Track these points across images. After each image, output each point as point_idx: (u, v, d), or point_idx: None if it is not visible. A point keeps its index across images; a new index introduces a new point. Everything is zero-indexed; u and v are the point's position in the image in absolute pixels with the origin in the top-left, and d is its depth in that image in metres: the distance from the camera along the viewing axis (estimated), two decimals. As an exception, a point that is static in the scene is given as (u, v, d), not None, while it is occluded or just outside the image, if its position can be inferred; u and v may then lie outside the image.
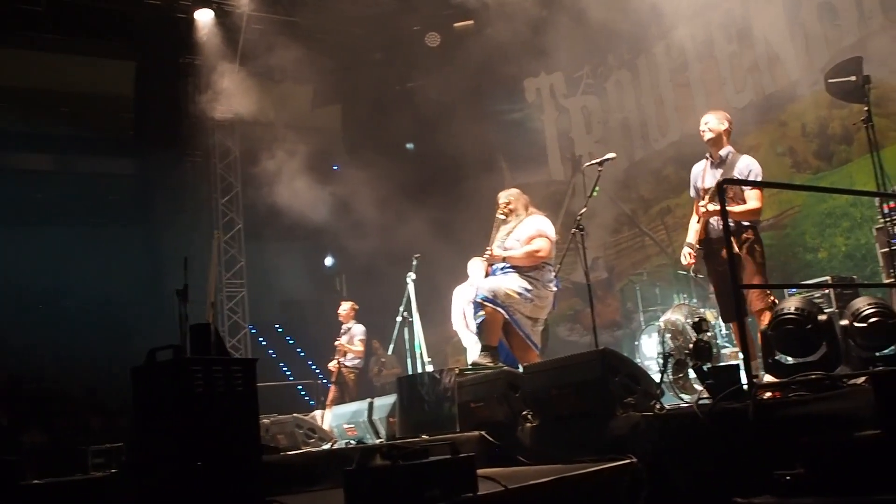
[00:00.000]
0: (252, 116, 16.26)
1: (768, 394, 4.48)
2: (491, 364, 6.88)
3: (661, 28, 13.58)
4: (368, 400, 8.08)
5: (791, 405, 4.01)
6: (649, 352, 10.48)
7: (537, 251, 7.23)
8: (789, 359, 4.75)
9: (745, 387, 4.27)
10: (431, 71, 14.84)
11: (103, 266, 16.35)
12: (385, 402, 7.68)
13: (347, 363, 12.79)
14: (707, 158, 7.13)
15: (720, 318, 8.07)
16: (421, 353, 10.57)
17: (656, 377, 5.45)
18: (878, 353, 4.53)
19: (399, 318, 10.71)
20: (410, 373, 10.72)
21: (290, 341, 18.66)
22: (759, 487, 3.30)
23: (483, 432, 5.70)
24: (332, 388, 12.88)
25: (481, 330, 7.17)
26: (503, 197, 7.71)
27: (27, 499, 4.52)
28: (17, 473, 4.76)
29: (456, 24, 15.81)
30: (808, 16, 11.29)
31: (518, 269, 7.26)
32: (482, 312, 7.13)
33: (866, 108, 7.52)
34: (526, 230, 7.40)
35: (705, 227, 6.91)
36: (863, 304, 4.59)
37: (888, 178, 7.69)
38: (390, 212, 14.45)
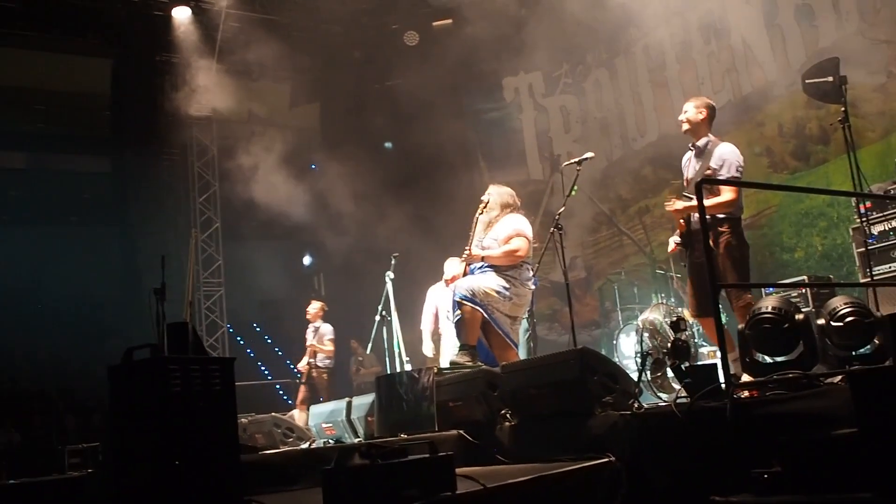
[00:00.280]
0: (230, 114, 16.21)
1: (746, 393, 4.50)
2: (470, 363, 6.87)
3: (640, 28, 13.64)
4: (347, 399, 8.06)
5: (768, 404, 4.02)
6: (627, 351, 10.51)
7: (515, 251, 7.22)
8: (767, 358, 4.77)
9: (723, 386, 4.28)
10: (410, 70, 14.82)
11: (79, 265, 16.24)
12: (363, 402, 7.66)
13: (319, 363, 12.77)
14: (690, 148, 7.07)
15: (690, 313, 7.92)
16: (399, 353, 10.56)
17: (634, 376, 5.46)
18: (854, 352, 4.56)
19: (377, 317, 10.69)
20: (389, 372, 10.71)
21: (268, 340, 18.60)
22: (738, 486, 3.32)
23: (461, 431, 5.70)
24: (302, 387, 12.85)
25: (460, 329, 7.15)
26: (486, 195, 7.70)
27: (2, 499, 4.48)
28: (-9, 473, 4.73)
29: (435, 23, 15.79)
30: (785, 17, 11.36)
31: (496, 268, 7.25)
32: (460, 311, 7.11)
33: (843, 109, 7.55)
34: (504, 229, 7.39)
35: (687, 219, 6.84)
36: (839, 303, 4.62)
37: (865, 178, 7.74)
38: (368, 211, 14.44)
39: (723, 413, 3.96)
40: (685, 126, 6.95)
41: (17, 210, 17.17)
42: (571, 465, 4.31)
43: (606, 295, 12.99)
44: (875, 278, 7.59)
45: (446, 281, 8.21)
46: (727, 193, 6.48)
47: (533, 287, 7.62)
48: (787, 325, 4.43)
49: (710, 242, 6.31)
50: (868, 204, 7.89)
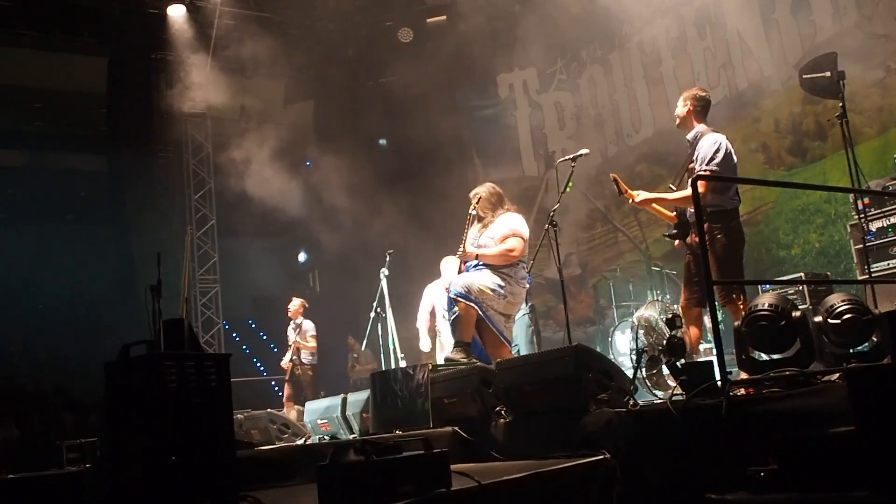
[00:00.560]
0: (224, 111, 16.21)
1: (742, 390, 4.50)
2: (464, 360, 6.87)
3: (635, 23, 13.63)
4: (342, 395, 8.05)
5: (765, 401, 4.02)
6: (623, 348, 10.51)
7: (511, 250, 7.22)
8: (763, 355, 4.77)
9: (719, 383, 4.28)
10: (404, 67, 14.81)
11: (76, 262, 16.25)
12: (359, 398, 7.65)
13: (304, 360, 12.78)
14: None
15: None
16: (394, 349, 10.56)
17: (630, 373, 5.46)
18: (851, 350, 4.55)
19: (372, 314, 10.69)
20: (384, 368, 10.71)
21: (264, 337, 18.61)
22: (733, 483, 3.31)
23: (456, 428, 5.69)
24: (287, 385, 12.87)
25: (455, 326, 7.15)
26: (475, 193, 7.69)
27: (2, 494, 4.48)
28: (-9, 468, 4.74)
29: (429, 20, 15.79)
30: (782, 11, 11.35)
31: (491, 266, 7.25)
32: (456, 308, 7.12)
33: (840, 104, 7.53)
34: (499, 228, 7.38)
35: (682, 211, 6.81)
36: (837, 300, 4.61)
37: (862, 174, 7.74)
38: (363, 207, 14.44)
39: (718, 410, 3.95)
40: (676, 121, 6.97)
41: (14, 208, 17.16)
42: (566, 462, 4.31)
43: (601, 292, 12.99)
44: (873, 275, 7.59)
45: (446, 289, 8.22)
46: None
47: (528, 285, 7.63)
48: (783, 323, 4.42)
49: (696, 238, 6.42)
50: (866, 200, 7.89)
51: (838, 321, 4.51)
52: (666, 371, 6.85)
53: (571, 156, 7.56)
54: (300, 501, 3.93)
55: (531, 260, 7.78)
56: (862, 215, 7.84)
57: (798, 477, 3.10)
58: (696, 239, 6.43)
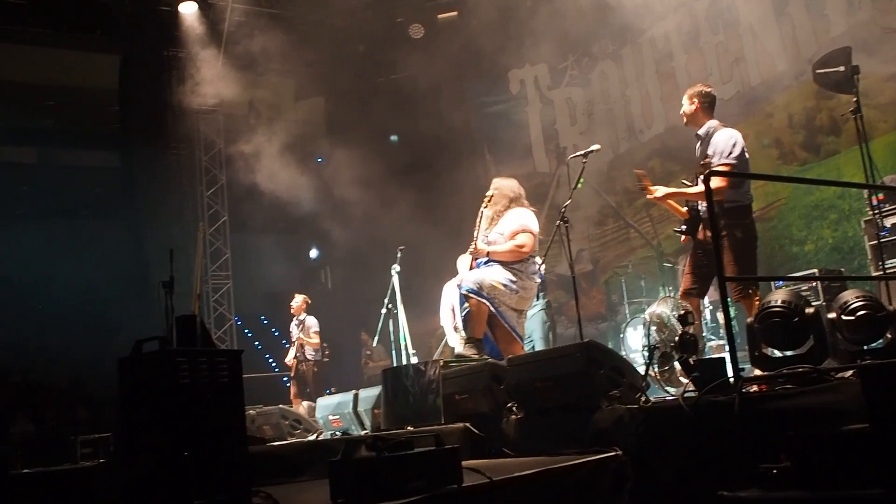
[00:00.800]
0: (236, 108, 16.24)
1: (754, 387, 4.48)
2: (476, 356, 6.87)
3: (647, 19, 13.57)
4: (353, 391, 8.07)
5: (777, 398, 4.00)
6: (634, 344, 10.49)
7: (521, 246, 7.21)
8: (776, 352, 4.75)
9: (731, 380, 4.26)
10: (415, 63, 14.80)
11: (89, 259, 16.30)
12: (370, 394, 7.66)
13: (308, 356, 12.81)
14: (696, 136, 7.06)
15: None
16: (406, 345, 10.56)
17: (641, 370, 5.45)
18: (865, 347, 4.53)
19: (384, 311, 10.69)
20: (395, 365, 10.72)
21: (276, 333, 18.63)
22: (745, 481, 3.30)
23: (467, 424, 5.69)
24: (293, 382, 12.91)
25: (467, 322, 7.15)
26: (491, 188, 7.69)
27: (17, 488, 4.51)
28: (6, 463, 4.76)
29: (440, 16, 15.79)
30: (795, 6, 11.31)
31: (502, 262, 7.25)
32: (467, 304, 7.11)
33: (855, 99, 7.49)
34: (509, 224, 7.38)
35: (694, 205, 6.82)
36: (851, 297, 4.59)
37: (877, 169, 7.70)
38: (375, 204, 14.45)
39: (731, 407, 3.94)
40: (684, 119, 6.96)
41: (27, 205, 17.24)
42: (577, 458, 4.30)
43: (613, 288, 12.98)
44: (887, 271, 7.56)
45: (458, 286, 8.18)
46: (713, 181, 6.39)
47: (539, 281, 7.62)
48: (797, 319, 4.40)
49: (709, 234, 6.38)
50: (880, 196, 7.86)
51: (852, 318, 4.49)
52: (678, 367, 6.84)
53: (583, 152, 7.56)
54: (312, 497, 3.94)
55: (543, 256, 7.78)
56: (876, 211, 7.81)
57: (811, 474, 3.09)
58: (709, 234, 6.43)
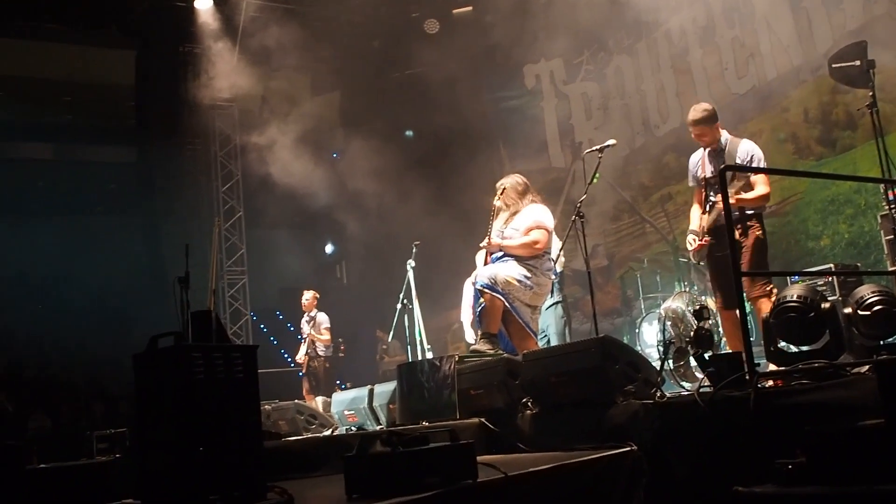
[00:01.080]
0: (251, 103, 16.28)
1: (770, 382, 4.47)
2: (491, 351, 6.87)
3: (662, 12, 13.53)
4: (369, 387, 8.08)
5: (793, 394, 3.99)
6: (650, 339, 10.47)
7: (535, 242, 7.20)
8: (792, 347, 4.74)
9: (747, 375, 4.25)
10: (430, 58, 14.80)
11: (105, 254, 16.40)
12: (385, 389, 7.67)
13: (319, 352, 12.83)
14: (704, 148, 7.12)
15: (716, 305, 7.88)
16: (421, 340, 10.57)
17: (657, 365, 5.43)
18: (882, 342, 4.51)
19: (399, 305, 10.71)
20: (410, 360, 10.73)
21: (291, 328, 18.68)
22: (761, 476, 3.29)
23: (483, 419, 5.70)
24: (305, 379, 12.94)
25: (481, 317, 7.16)
26: (501, 184, 7.68)
27: (33, 483, 4.54)
28: (23, 458, 4.78)
29: (455, 11, 15.78)
30: (811, 0, 11.24)
31: (517, 257, 7.24)
32: (482, 300, 7.12)
33: (871, 94, 7.44)
34: (524, 220, 7.36)
35: (717, 215, 6.86)
36: (867, 291, 4.57)
37: (893, 164, 7.64)
38: (390, 199, 14.46)
39: (746, 403, 3.93)
40: (693, 134, 7.05)
41: (44, 201, 17.34)
42: (592, 453, 4.30)
43: (628, 283, 12.95)
44: (904, 267, 7.52)
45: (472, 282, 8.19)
46: (762, 187, 6.67)
47: (554, 276, 7.61)
48: (812, 314, 4.39)
49: (738, 235, 6.53)
50: (897, 190, 7.81)
51: (868, 313, 4.47)
52: (693, 363, 6.83)
53: (598, 146, 7.54)
54: (327, 492, 3.95)
55: (560, 252, 7.77)
56: (893, 206, 7.74)
57: (826, 470, 3.08)
58: (737, 236, 6.55)
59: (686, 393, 5.51)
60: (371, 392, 7.89)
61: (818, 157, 11.19)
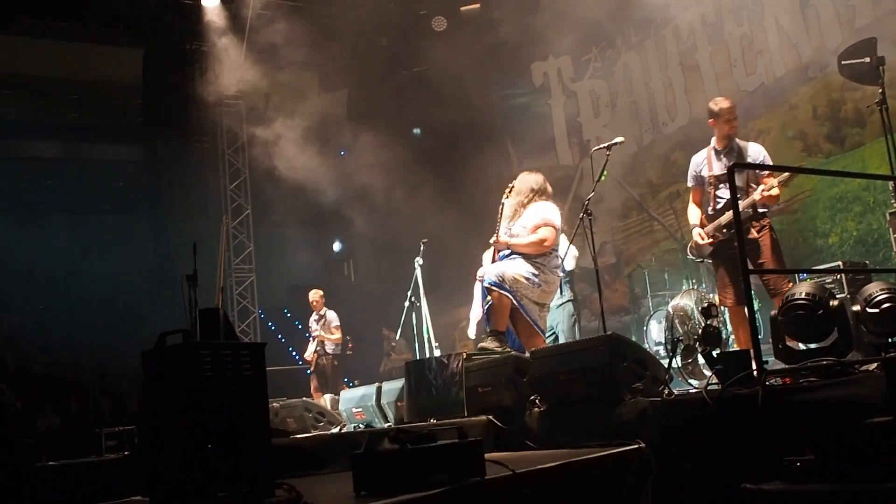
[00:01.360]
0: (259, 101, 16.29)
1: (778, 380, 4.46)
2: (499, 349, 6.87)
3: (670, 9, 13.51)
4: (377, 384, 8.10)
5: (801, 391, 3.99)
6: (658, 337, 10.46)
7: (543, 240, 7.20)
8: (800, 345, 4.73)
9: (755, 373, 4.25)
10: (438, 55, 14.79)
11: (113, 253, 16.43)
12: (393, 387, 7.69)
13: (328, 350, 12.86)
14: (712, 149, 7.22)
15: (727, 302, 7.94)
16: (429, 338, 10.58)
17: (665, 363, 5.43)
18: (890, 339, 4.50)
19: (407, 303, 10.71)
20: (418, 357, 10.74)
21: (299, 326, 18.71)
22: (769, 473, 3.29)
23: (491, 417, 5.70)
24: (313, 377, 12.96)
25: (489, 315, 7.16)
26: (517, 179, 7.69)
27: (42, 480, 4.55)
28: (32, 455, 4.80)
29: (462, 8, 15.78)
30: (820, -3, 11.22)
31: (525, 255, 7.25)
32: (490, 298, 7.12)
33: (880, 91, 7.44)
34: (532, 218, 7.36)
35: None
36: (875, 289, 4.57)
37: (902, 161, 7.63)
38: (397, 196, 14.47)
39: (754, 400, 3.93)
40: (732, 131, 7.18)
41: (52, 199, 17.39)
42: (600, 451, 4.30)
43: (636, 281, 12.93)
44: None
45: (479, 279, 8.22)
46: (776, 188, 6.78)
47: (561, 274, 7.61)
48: (821, 312, 4.39)
49: (754, 232, 6.81)
50: (906, 188, 7.79)
51: (877, 310, 4.47)
52: (701, 360, 6.83)
53: (606, 144, 7.53)
54: (335, 489, 3.96)
55: (567, 250, 7.77)
56: (901, 203, 7.74)
57: (834, 467, 3.07)
58: (755, 234, 6.83)
59: (694, 390, 5.51)
60: (379, 390, 7.90)
61: (827, 154, 11.16)
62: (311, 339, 13.33)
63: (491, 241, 7.51)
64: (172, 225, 17.29)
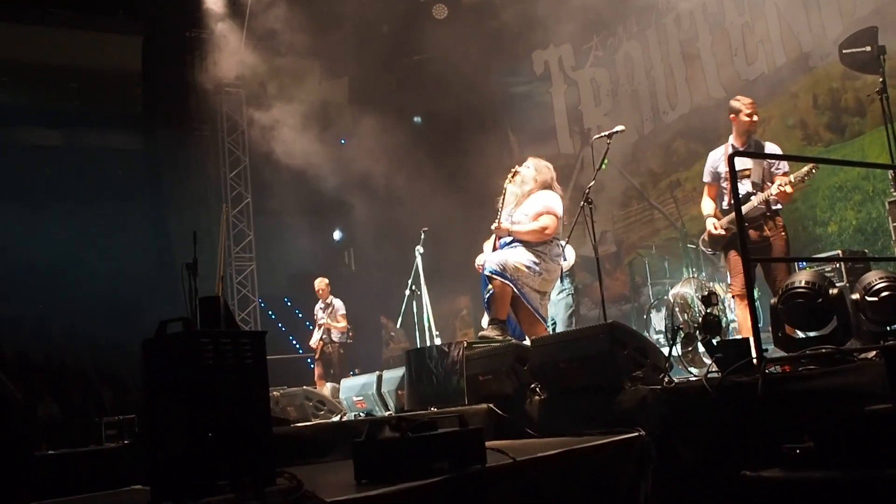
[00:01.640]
0: (259, 89, 16.26)
1: (778, 368, 4.47)
2: (499, 337, 6.88)
3: (672, -2, 13.51)
4: (377, 373, 8.11)
5: (801, 379, 4.00)
6: (658, 325, 10.47)
7: (544, 228, 7.20)
8: (799, 333, 4.74)
9: (755, 361, 4.25)
10: (439, 44, 14.76)
11: (113, 241, 16.40)
12: (394, 375, 7.70)
13: (335, 339, 12.86)
14: (730, 145, 7.34)
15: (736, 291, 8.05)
16: (429, 327, 10.58)
17: (665, 351, 5.44)
18: (889, 328, 4.51)
19: (407, 292, 10.71)
20: (419, 346, 10.74)
21: (299, 314, 18.71)
22: (768, 461, 3.30)
23: (491, 405, 5.71)
24: (318, 364, 12.98)
25: (490, 303, 7.17)
26: (522, 166, 7.69)
27: (42, 469, 4.56)
28: (32, 445, 4.81)
29: (464, -4, 15.75)
30: (821, -15, 11.19)
31: (526, 243, 7.25)
32: (491, 286, 7.12)
33: (881, 80, 7.44)
34: (534, 206, 7.37)
35: (750, 208, 7.11)
36: (874, 277, 4.57)
37: (903, 150, 7.63)
38: (398, 185, 14.46)
39: (754, 388, 3.94)
40: (753, 127, 7.30)
41: (51, 188, 17.35)
42: (601, 439, 4.31)
43: (637, 269, 12.94)
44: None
45: (479, 268, 8.25)
46: (789, 187, 6.92)
47: (563, 262, 7.62)
48: (820, 300, 4.39)
49: (767, 230, 7.06)
50: (906, 177, 7.80)
51: (876, 298, 4.48)
52: (701, 348, 6.84)
53: (607, 133, 7.54)
54: (336, 477, 3.96)
55: (566, 238, 7.77)
56: (901, 192, 7.75)
57: (834, 455, 3.08)
58: (768, 232, 7.09)
59: (694, 378, 5.52)
60: (380, 378, 7.91)
61: (827, 143, 11.15)
62: (313, 327, 13.34)
63: (492, 227, 7.51)
64: (172, 213, 17.26)
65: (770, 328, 4.73)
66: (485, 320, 9.37)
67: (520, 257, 7.14)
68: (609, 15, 14.13)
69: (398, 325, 12.57)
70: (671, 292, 9.70)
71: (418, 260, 10.57)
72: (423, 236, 10.54)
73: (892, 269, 7.90)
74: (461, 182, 14.00)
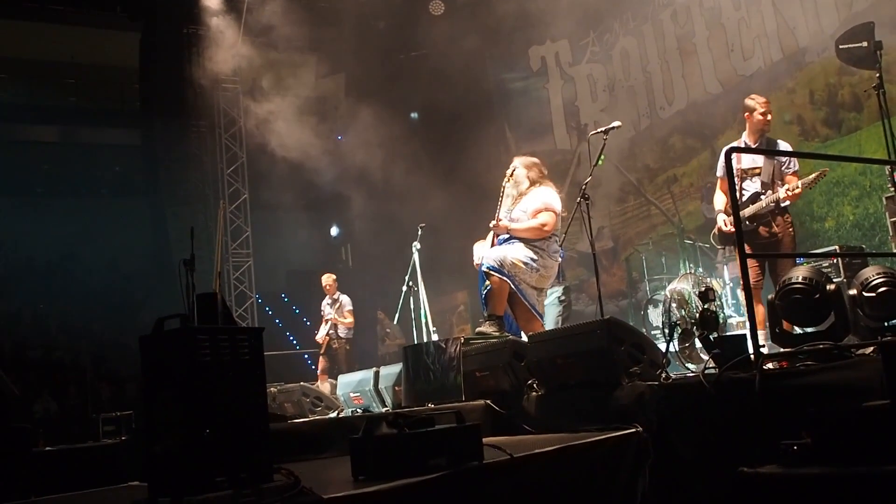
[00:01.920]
0: (256, 86, 16.24)
1: (775, 364, 4.47)
2: (496, 333, 6.87)
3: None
4: (374, 369, 8.10)
5: (798, 375, 3.99)
6: (655, 321, 10.47)
7: (543, 225, 7.20)
8: (797, 328, 4.73)
9: (752, 357, 4.25)
10: (436, 39, 14.75)
11: (111, 237, 16.43)
12: (391, 371, 7.69)
13: (340, 335, 12.86)
14: (743, 143, 7.40)
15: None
16: (426, 323, 10.58)
17: (662, 347, 5.44)
18: (886, 323, 4.51)
19: (404, 288, 10.71)
20: (415, 342, 10.74)
21: (296, 311, 18.73)
22: (766, 457, 3.30)
23: (488, 401, 5.70)
24: (322, 358, 12.97)
25: (488, 299, 7.16)
26: (512, 166, 7.68)
27: (40, 465, 4.56)
28: (29, 441, 4.81)
29: (460, -8, 15.73)
30: (817, -20, 11.19)
31: (524, 239, 7.25)
32: (488, 282, 7.12)
33: (878, 75, 7.45)
34: (532, 202, 7.36)
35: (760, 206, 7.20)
36: (872, 273, 4.57)
37: (899, 145, 7.64)
38: (395, 181, 14.46)
39: (751, 384, 3.93)
40: (765, 125, 7.33)
41: (49, 183, 17.37)
42: (598, 435, 4.31)
43: (634, 265, 12.95)
44: (908, 248, 7.53)
45: (477, 264, 8.24)
46: (799, 188, 7.02)
47: (560, 259, 7.62)
48: (818, 296, 4.39)
49: (776, 227, 7.15)
50: (903, 172, 7.81)
51: (873, 294, 4.47)
52: (699, 344, 6.84)
53: (604, 128, 7.53)
54: (333, 474, 3.96)
55: (563, 233, 7.76)
56: (898, 187, 7.76)
57: (831, 451, 3.08)
58: (777, 228, 7.17)
59: (691, 374, 5.52)
60: (377, 374, 7.91)
61: (824, 138, 11.17)
62: (310, 323, 13.34)
63: (491, 224, 7.51)
64: (170, 209, 17.28)
65: (767, 324, 4.73)
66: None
67: (518, 253, 7.14)
68: (605, 10, 14.15)
69: (395, 321, 12.55)
70: (668, 288, 9.66)
71: (415, 256, 10.56)
72: (419, 232, 10.53)
73: (890, 264, 7.91)
74: (458, 178, 14.00)
